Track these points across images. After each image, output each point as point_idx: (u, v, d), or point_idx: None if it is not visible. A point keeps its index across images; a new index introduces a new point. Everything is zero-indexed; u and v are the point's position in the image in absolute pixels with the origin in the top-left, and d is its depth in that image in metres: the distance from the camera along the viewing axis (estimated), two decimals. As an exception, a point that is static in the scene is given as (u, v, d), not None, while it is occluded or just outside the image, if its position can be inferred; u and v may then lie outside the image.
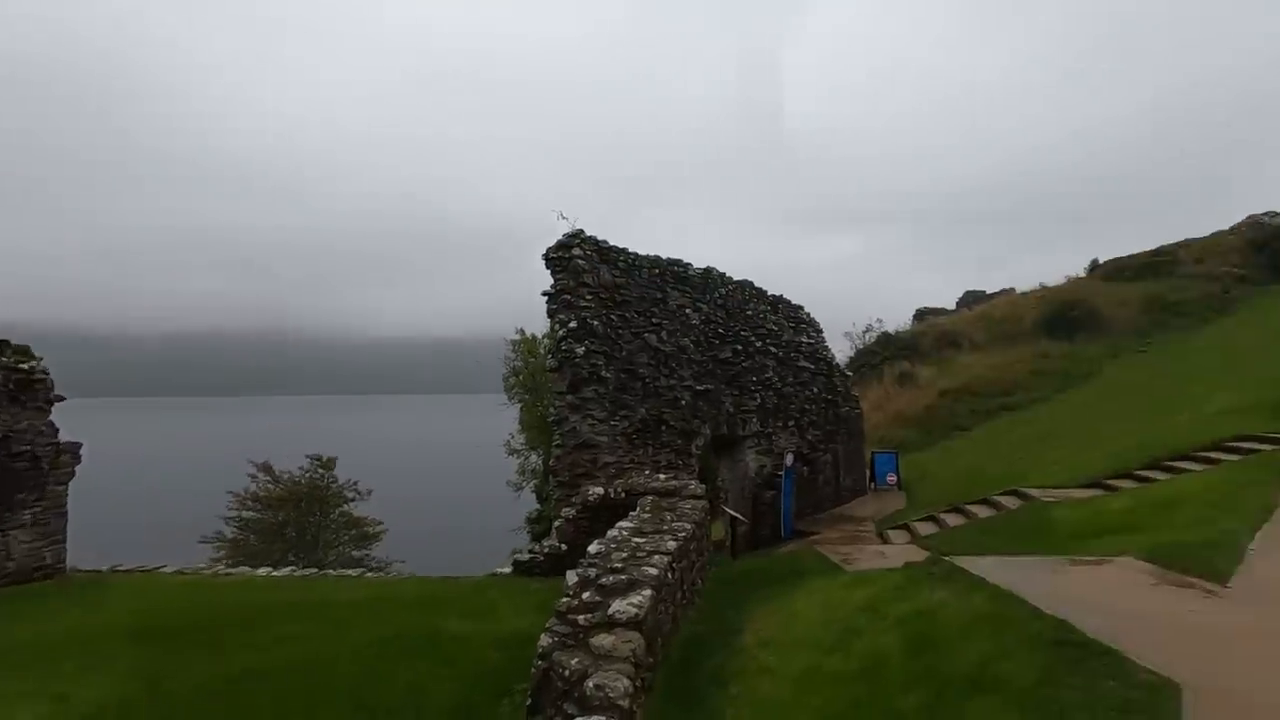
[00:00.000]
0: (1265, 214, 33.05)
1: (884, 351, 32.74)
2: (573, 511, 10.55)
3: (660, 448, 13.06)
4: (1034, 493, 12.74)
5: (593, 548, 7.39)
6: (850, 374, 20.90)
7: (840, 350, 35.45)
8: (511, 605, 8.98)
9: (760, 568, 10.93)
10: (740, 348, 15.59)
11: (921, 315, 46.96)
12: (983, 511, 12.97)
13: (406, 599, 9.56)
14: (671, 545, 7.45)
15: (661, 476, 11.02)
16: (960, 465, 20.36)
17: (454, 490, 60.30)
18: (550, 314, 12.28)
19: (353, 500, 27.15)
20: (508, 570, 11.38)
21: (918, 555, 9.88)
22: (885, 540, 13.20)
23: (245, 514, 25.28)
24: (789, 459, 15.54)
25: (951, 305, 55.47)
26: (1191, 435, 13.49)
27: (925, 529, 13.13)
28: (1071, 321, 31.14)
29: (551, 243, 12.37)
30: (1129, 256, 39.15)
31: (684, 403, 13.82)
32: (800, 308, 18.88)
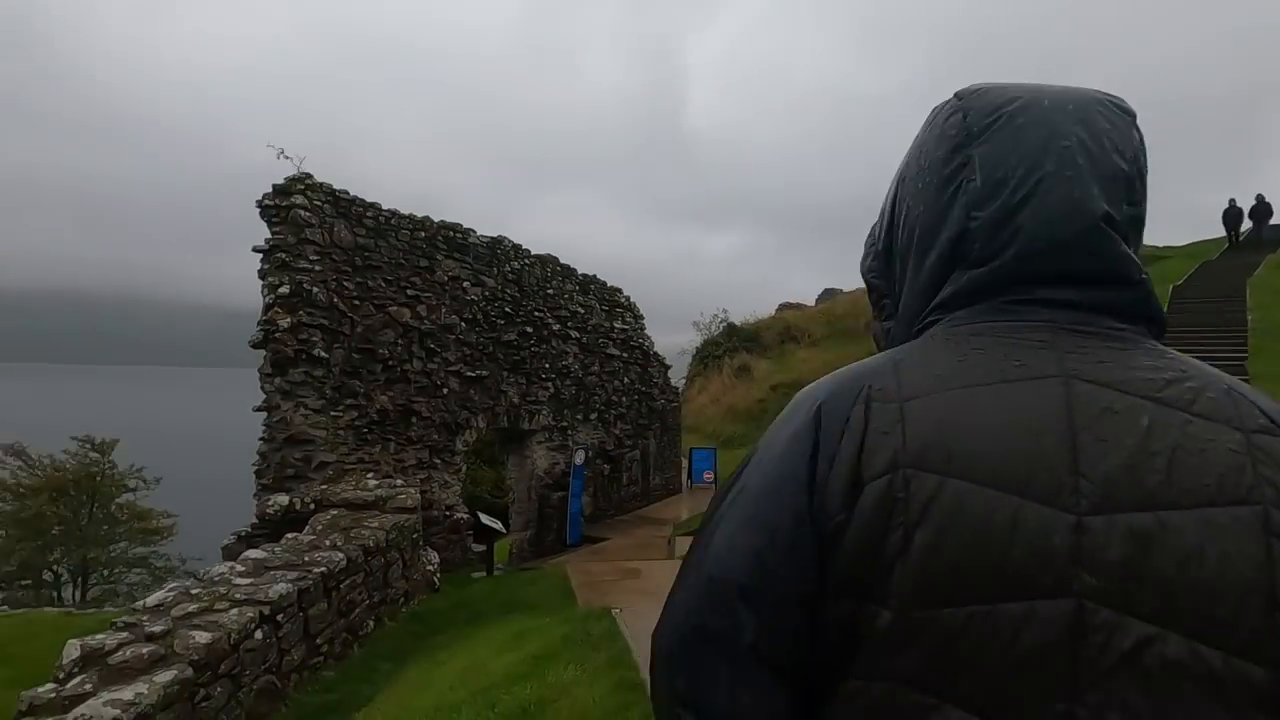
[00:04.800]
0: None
1: (727, 343, 31.99)
2: (247, 529, 8.32)
3: (409, 444, 10.97)
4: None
5: (153, 597, 5.26)
6: (669, 364, 19.69)
7: (689, 340, 34.27)
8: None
9: (482, 595, 9.02)
10: (531, 330, 13.73)
11: (783, 309, 47.42)
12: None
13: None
14: (280, 591, 5.45)
15: (372, 482, 8.94)
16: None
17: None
18: (261, 275, 9.83)
19: (135, 489, 22.74)
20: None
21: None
22: (671, 553, 11.92)
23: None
24: (579, 456, 13.93)
25: (812, 301, 56.64)
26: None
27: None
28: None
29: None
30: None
31: (447, 391, 11.79)
32: (618, 290, 17.20)
